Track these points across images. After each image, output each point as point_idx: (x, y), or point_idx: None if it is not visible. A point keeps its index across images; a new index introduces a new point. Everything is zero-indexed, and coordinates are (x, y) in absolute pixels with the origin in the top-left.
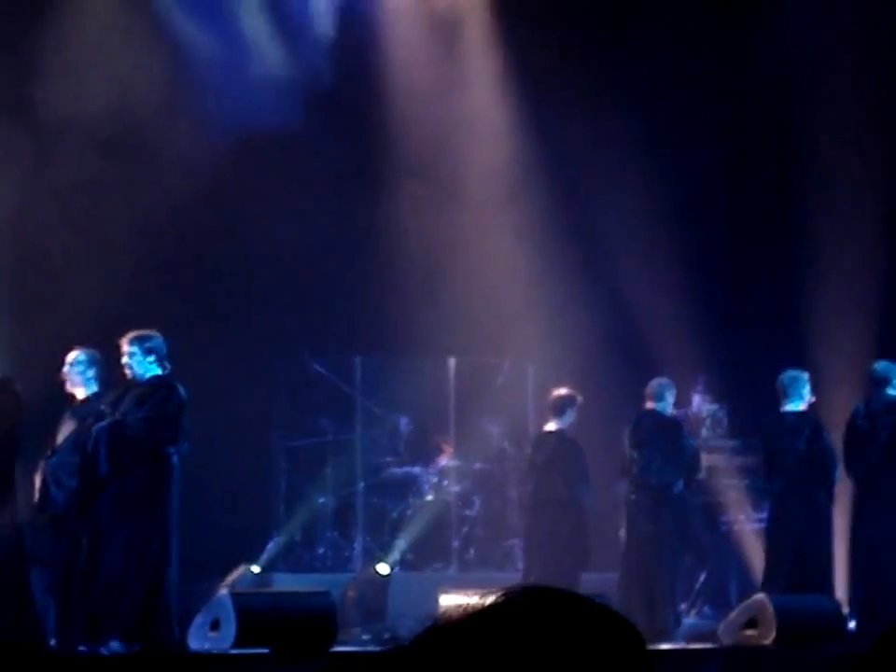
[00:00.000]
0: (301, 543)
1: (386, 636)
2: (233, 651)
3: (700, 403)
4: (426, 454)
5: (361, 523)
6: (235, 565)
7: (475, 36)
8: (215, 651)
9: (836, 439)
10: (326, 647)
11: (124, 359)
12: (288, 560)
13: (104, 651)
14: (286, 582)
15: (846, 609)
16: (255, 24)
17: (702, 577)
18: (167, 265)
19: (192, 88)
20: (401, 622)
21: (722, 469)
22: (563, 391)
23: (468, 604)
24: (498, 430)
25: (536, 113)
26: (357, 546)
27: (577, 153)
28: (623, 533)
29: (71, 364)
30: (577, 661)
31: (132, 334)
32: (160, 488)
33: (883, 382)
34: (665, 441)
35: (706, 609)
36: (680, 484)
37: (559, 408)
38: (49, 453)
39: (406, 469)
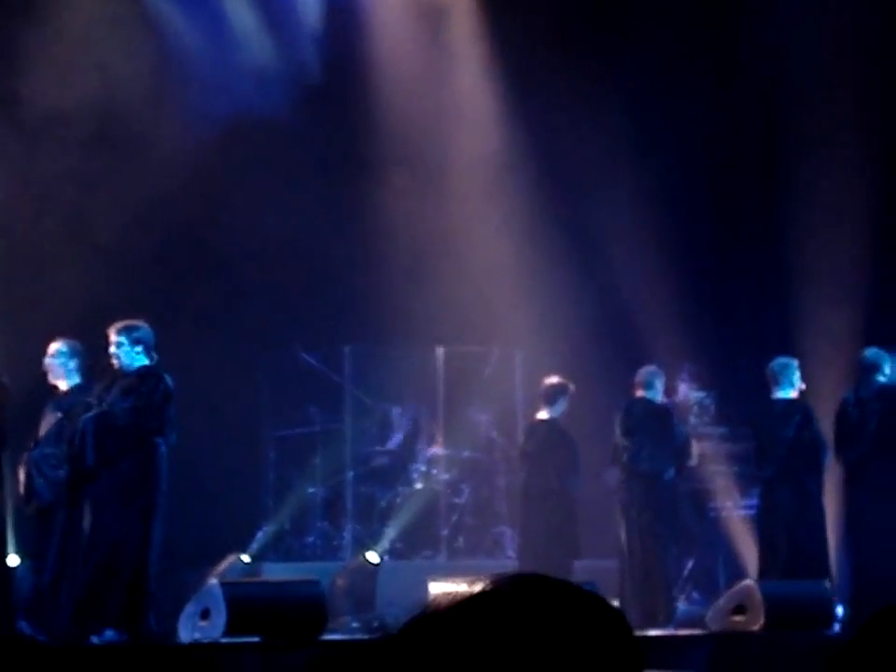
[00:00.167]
0: (290, 532)
1: (376, 624)
2: (223, 640)
3: (686, 391)
4: (416, 443)
5: (350, 512)
6: (225, 554)
7: (461, 25)
8: (205, 641)
9: (825, 425)
10: (316, 635)
11: (112, 349)
12: (278, 549)
13: (95, 639)
14: (275, 572)
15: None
16: (241, 15)
17: (690, 563)
18: (154, 256)
19: (178, 79)
20: (391, 610)
21: (710, 456)
22: (554, 379)
23: (456, 592)
24: (487, 419)
25: (522, 102)
26: (347, 535)
27: (564, 142)
28: (618, 521)
29: (52, 356)
30: (565, 647)
31: (119, 324)
32: (148, 478)
33: (872, 369)
34: (656, 429)
35: (694, 595)
36: (671, 472)
37: (551, 396)
38: (31, 445)
39: (396, 457)
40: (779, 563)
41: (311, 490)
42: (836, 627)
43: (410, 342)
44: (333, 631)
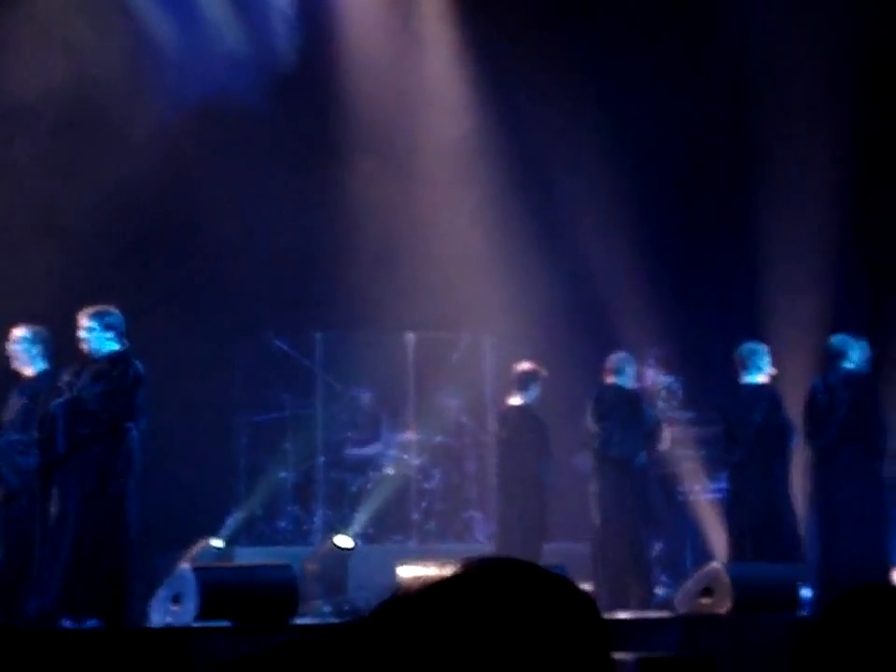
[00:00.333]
0: (262, 517)
1: (347, 608)
2: (195, 625)
3: (654, 376)
4: (384, 427)
5: (321, 497)
6: (197, 539)
7: (432, 11)
8: (177, 625)
9: (793, 411)
10: (287, 619)
11: (81, 334)
12: (250, 534)
13: (67, 624)
14: (247, 556)
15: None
16: (213, 1)
17: (658, 547)
18: (127, 243)
19: (150, 64)
20: (362, 594)
21: (678, 441)
22: (526, 365)
23: (426, 575)
24: (457, 404)
25: (493, 88)
26: (318, 520)
27: (535, 128)
28: (591, 506)
29: (14, 342)
30: (533, 629)
31: (90, 309)
32: (119, 463)
33: (839, 356)
34: (626, 414)
35: (662, 578)
36: (643, 456)
37: (523, 382)
38: None
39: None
40: (748, 546)
41: (282, 475)
42: (805, 610)
43: (380, 328)
44: (305, 615)
